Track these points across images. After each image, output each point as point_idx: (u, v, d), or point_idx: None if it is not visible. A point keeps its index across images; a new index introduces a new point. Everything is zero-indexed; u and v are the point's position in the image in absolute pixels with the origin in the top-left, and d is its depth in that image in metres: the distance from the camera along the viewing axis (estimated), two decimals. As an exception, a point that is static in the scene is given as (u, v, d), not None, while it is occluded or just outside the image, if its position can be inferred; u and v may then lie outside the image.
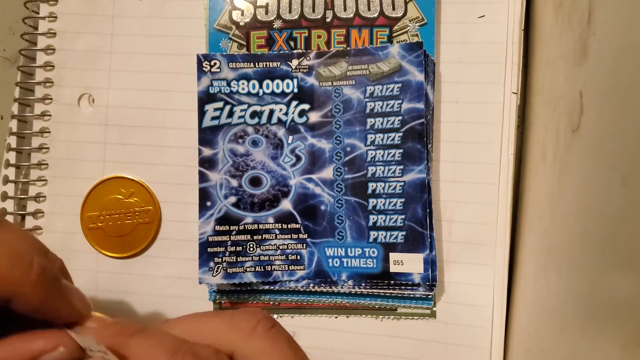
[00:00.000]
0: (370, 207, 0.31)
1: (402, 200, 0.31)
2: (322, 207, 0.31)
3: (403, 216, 0.31)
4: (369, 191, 0.31)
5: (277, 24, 0.32)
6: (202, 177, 0.32)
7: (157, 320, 0.33)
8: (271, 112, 0.32)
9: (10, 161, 0.34)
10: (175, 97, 0.33)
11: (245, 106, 0.32)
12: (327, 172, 0.31)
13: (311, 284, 0.31)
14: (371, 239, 0.31)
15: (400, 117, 0.31)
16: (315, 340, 0.32)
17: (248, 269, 0.31)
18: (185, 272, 0.33)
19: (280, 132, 0.32)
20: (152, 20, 0.33)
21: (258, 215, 0.32)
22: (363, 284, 0.31)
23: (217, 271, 0.31)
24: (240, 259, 0.31)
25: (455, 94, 0.32)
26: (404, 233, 0.31)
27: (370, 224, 0.31)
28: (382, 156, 0.31)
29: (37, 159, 0.34)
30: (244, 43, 0.32)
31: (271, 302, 0.32)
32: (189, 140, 0.32)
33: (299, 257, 0.32)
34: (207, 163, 0.32)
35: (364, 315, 0.32)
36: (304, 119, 0.32)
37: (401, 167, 0.31)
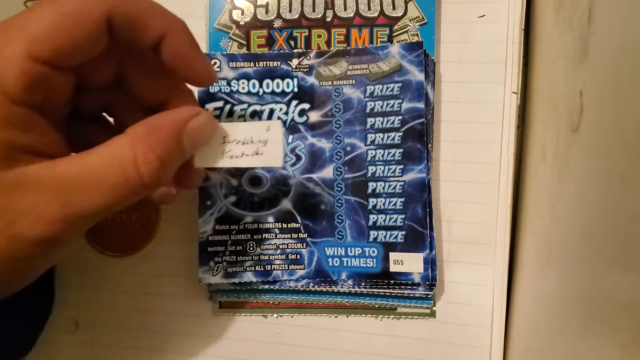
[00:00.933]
0: (370, 207, 0.31)
1: (402, 199, 0.31)
2: (322, 207, 0.31)
3: (403, 216, 0.31)
4: (369, 191, 0.31)
5: (278, 24, 0.32)
6: (202, 177, 0.32)
7: (155, 317, 0.33)
8: (271, 111, 0.32)
9: (11, 160, 0.34)
10: (175, 96, 0.33)
11: (245, 105, 0.32)
12: (327, 172, 0.31)
13: (311, 284, 0.31)
14: (371, 239, 0.31)
15: (400, 117, 0.31)
16: (315, 340, 0.32)
17: (248, 268, 0.31)
18: (185, 272, 0.33)
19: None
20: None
21: (258, 214, 0.32)
22: (363, 284, 0.31)
23: (217, 270, 0.31)
24: (240, 258, 0.31)
25: (456, 93, 0.32)
26: (403, 233, 0.31)
27: (370, 223, 0.31)
28: (382, 156, 0.31)
29: (37, 158, 0.34)
30: (244, 42, 0.32)
31: (271, 302, 0.32)
32: (189, 140, 0.32)
33: (298, 257, 0.32)
34: (207, 162, 0.32)
35: (363, 315, 0.32)
36: (304, 118, 0.32)
37: (401, 166, 0.31)
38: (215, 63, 0.32)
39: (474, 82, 0.32)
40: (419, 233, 0.30)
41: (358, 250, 0.31)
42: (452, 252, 0.32)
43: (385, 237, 0.31)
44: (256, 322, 0.33)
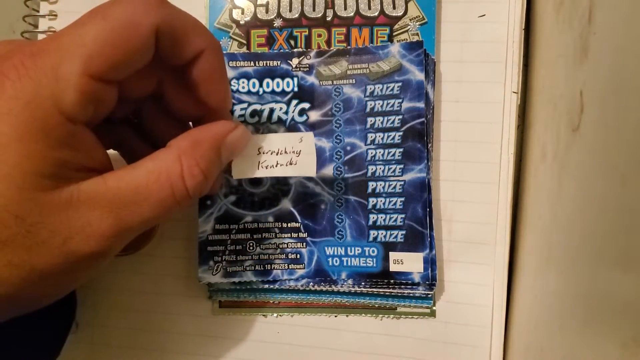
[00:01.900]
0: (370, 206, 0.31)
1: (402, 199, 0.31)
2: (322, 206, 0.31)
3: (403, 215, 0.31)
4: (369, 190, 0.31)
5: (278, 23, 0.32)
6: (202, 176, 0.32)
7: (155, 317, 0.33)
8: (271, 110, 0.32)
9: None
10: (175, 95, 0.33)
11: (245, 105, 0.32)
12: (327, 171, 0.31)
13: (311, 283, 0.31)
14: (371, 238, 0.31)
15: (400, 116, 0.31)
16: (315, 339, 0.32)
17: (248, 268, 0.31)
18: (185, 271, 0.33)
19: (281, 130, 0.32)
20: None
21: (258, 214, 0.32)
22: (363, 283, 0.31)
23: (216, 270, 0.31)
24: (240, 257, 0.31)
25: (456, 93, 0.32)
26: (403, 232, 0.31)
27: (370, 223, 0.31)
28: (382, 155, 0.31)
29: (37, 157, 0.34)
30: (244, 42, 0.32)
31: (271, 301, 0.32)
32: (189, 139, 0.32)
33: (298, 256, 0.32)
34: (207, 162, 0.32)
35: (363, 315, 0.32)
36: (304, 117, 0.32)
37: (401, 166, 0.31)
38: (215, 62, 0.32)
39: (474, 82, 0.32)
40: (419, 233, 0.30)
41: (358, 250, 0.31)
42: (452, 252, 0.32)
43: (385, 236, 0.31)
44: (256, 322, 0.33)
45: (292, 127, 0.32)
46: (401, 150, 0.31)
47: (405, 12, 0.32)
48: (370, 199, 0.31)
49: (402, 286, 0.31)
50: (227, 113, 0.26)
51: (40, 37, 0.34)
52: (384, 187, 0.31)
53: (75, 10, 0.34)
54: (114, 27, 0.20)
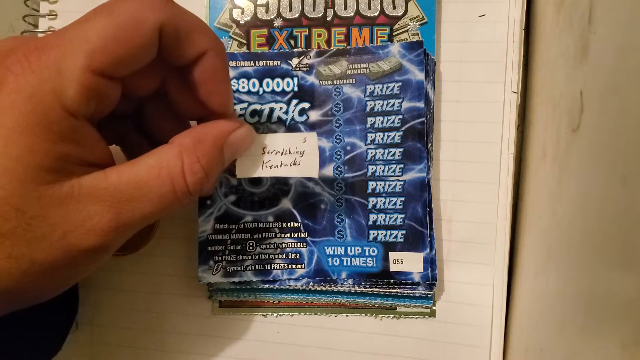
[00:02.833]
0: (370, 206, 0.31)
1: (402, 199, 0.31)
2: (322, 206, 0.31)
3: (403, 215, 0.31)
4: (369, 190, 0.31)
5: (278, 23, 0.32)
6: (202, 176, 0.32)
7: (155, 317, 0.33)
8: (271, 110, 0.32)
9: (10, 159, 0.34)
10: (175, 95, 0.33)
11: (245, 105, 0.32)
12: (327, 171, 0.31)
13: (311, 283, 0.31)
14: (371, 238, 0.31)
15: (400, 116, 0.31)
16: (315, 339, 0.32)
17: (248, 268, 0.31)
18: (185, 271, 0.33)
19: (281, 130, 0.32)
20: (152, 18, 0.33)
21: (258, 213, 0.32)
22: (363, 283, 0.31)
23: (216, 270, 0.31)
24: (239, 257, 0.31)
25: (456, 93, 0.32)
26: (403, 232, 0.31)
27: (370, 222, 0.31)
28: (382, 155, 0.31)
29: (37, 157, 0.34)
30: (244, 41, 0.32)
31: (271, 301, 0.32)
32: (189, 139, 0.32)
33: (298, 256, 0.32)
34: (207, 161, 0.32)
35: (363, 314, 0.32)
36: (304, 117, 0.32)
37: (401, 166, 0.31)
38: (215, 62, 0.32)
39: (474, 82, 0.32)
40: (419, 232, 0.30)
41: (358, 250, 0.31)
42: (452, 252, 0.32)
43: (385, 236, 0.31)
44: (256, 321, 0.33)
45: (292, 127, 0.32)
46: (401, 150, 0.31)
47: (405, 12, 0.32)
48: (370, 199, 0.31)
49: (402, 286, 0.31)
50: (231, 112, 0.26)
51: (41, 37, 0.34)
52: (384, 187, 0.31)
53: (75, 10, 0.34)
54: (118, 23, 0.20)
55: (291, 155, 0.26)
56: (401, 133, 0.31)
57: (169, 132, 0.24)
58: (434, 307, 0.32)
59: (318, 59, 0.32)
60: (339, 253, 0.31)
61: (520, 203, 0.32)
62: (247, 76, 0.32)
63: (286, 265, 0.31)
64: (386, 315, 0.32)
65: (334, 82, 0.31)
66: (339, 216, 0.31)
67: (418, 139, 0.31)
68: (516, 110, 0.31)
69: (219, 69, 0.24)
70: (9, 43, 0.21)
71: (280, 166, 0.26)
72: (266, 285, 0.32)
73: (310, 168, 0.27)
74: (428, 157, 0.31)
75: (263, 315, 0.33)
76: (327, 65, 0.32)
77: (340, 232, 0.31)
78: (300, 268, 0.31)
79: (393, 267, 0.31)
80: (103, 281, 0.33)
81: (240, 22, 0.32)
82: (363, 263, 0.31)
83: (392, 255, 0.31)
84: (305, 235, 0.32)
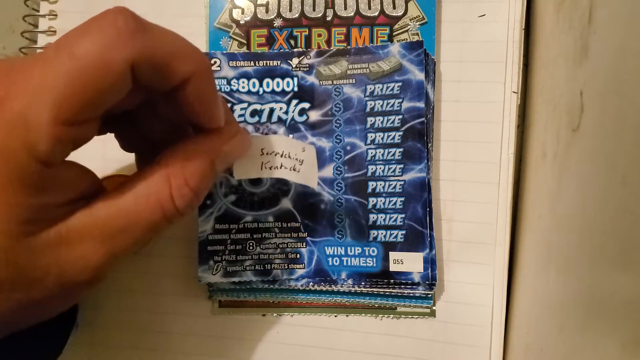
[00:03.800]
0: (370, 206, 0.31)
1: (402, 199, 0.31)
2: (322, 206, 0.31)
3: (403, 215, 0.31)
4: (369, 190, 0.31)
5: (278, 23, 0.32)
6: (202, 176, 0.32)
7: (155, 317, 0.33)
8: (271, 110, 0.32)
9: (10, 159, 0.34)
10: (175, 95, 0.33)
11: (245, 105, 0.32)
12: (327, 171, 0.31)
13: (311, 283, 0.31)
14: (371, 238, 0.31)
15: (400, 116, 0.31)
16: (315, 339, 0.32)
17: (248, 268, 0.31)
18: (185, 271, 0.33)
19: (281, 130, 0.32)
20: (152, 18, 0.33)
21: (258, 213, 0.32)
22: (363, 283, 0.31)
23: (216, 269, 0.31)
24: (240, 257, 0.31)
25: (456, 93, 0.32)
26: (403, 232, 0.31)
27: (370, 222, 0.31)
28: (382, 155, 0.31)
29: (37, 157, 0.34)
30: (244, 41, 0.32)
31: (270, 301, 0.32)
32: (189, 139, 0.32)
33: (298, 256, 0.32)
34: (207, 161, 0.32)
35: (363, 314, 0.32)
36: (304, 117, 0.32)
37: (401, 166, 0.31)
38: (215, 62, 0.32)
39: (474, 82, 0.32)
40: (419, 232, 0.30)
41: (358, 250, 0.31)
42: (452, 252, 0.32)
43: (385, 236, 0.31)
44: (256, 321, 0.33)
45: (292, 127, 0.32)
46: (401, 150, 0.31)
47: (405, 12, 0.32)
48: (370, 199, 0.31)
49: (402, 286, 0.31)
50: (223, 124, 0.25)
51: (40, 36, 0.34)
52: (384, 187, 0.31)
53: (75, 10, 0.34)
54: (82, 67, 0.18)
55: (291, 160, 0.26)
56: (401, 133, 0.31)
57: (164, 132, 0.24)
58: (434, 307, 0.32)
59: (318, 59, 0.32)
60: (339, 253, 0.31)
61: (520, 203, 0.32)
62: (247, 76, 0.32)
63: (286, 265, 0.31)
64: (386, 315, 0.32)
65: (334, 82, 0.31)
66: (339, 216, 0.31)
67: (418, 139, 0.31)
68: (516, 110, 0.31)
69: (206, 92, 0.22)
70: None
71: (280, 168, 0.26)
72: (266, 285, 0.32)
73: (310, 179, 0.27)
74: (428, 157, 0.31)
75: (263, 315, 0.33)
76: (327, 65, 0.32)
77: (340, 232, 0.31)
78: (300, 268, 0.31)
79: (393, 267, 0.31)
80: (104, 282, 0.33)
81: (240, 22, 0.32)
82: (363, 263, 0.31)
83: (392, 255, 0.31)
84: (305, 235, 0.32)
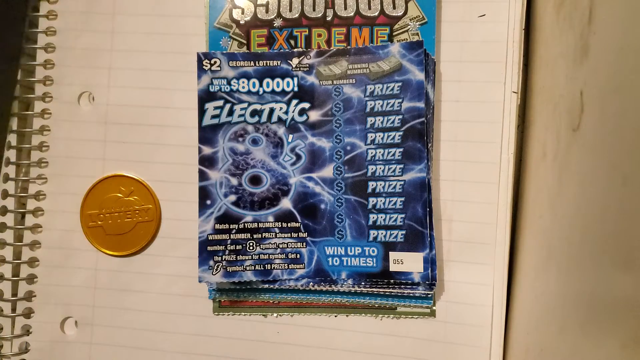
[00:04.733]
0: (370, 206, 0.31)
1: (402, 199, 0.31)
2: (322, 206, 0.31)
3: (403, 215, 0.31)
4: (369, 190, 0.31)
5: (278, 23, 0.32)
6: (202, 176, 0.32)
7: (155, 317, 0.33)
8: (271, 110, 0.32)
9: (11, 159, 0.34)
10: (175, 95, 0.33)
11: (245, 105, 0.32)
12: (327, 171, 0.31)
13: (311, 283, 0.31)
14: (371, 238, 0.31)
15: (400, 116, 0.31)
16: (315, 339, 0.32)
17: (248, 268, 0.31)
18: (185, 271, 0.33)
19: (281, 130, 0.32)
20: (152, 18, 0.33)
21: (258, 213, 0.32)
22: (363, 283, 0.31)
23: (216, 270, 0.31)
24: (240, 257, 0.31)
25: (456, 93, 0.32)
26: (403, 232, 0.31)
27: (370, 222, 0.31)
28: (382, 155, 0.31)
29: (37, 157, 0.34)
30: (244, 41, 0.32)
31: (271, 301, 0.32)
32: (189, 139, 0.32)
33: (298, 256, 0.32)
34: (207, 161, 0.32)
35: (363, 314, 0.32)
36: (304, 117, 0.32)
37: (401, 166, 0.31)
38: (215, 62, 0.32)
39: (474, 82, 0.32)
40: (419, 232, 0.30)
41: (358, 250, 0.31)
42: (452, 252, 0.32)
43: (385, 236, 0.31)
44: (256, 322, 0.33)
45: (292, 127, 0.32)
46: (401, 150, 0.31)
47: (405, 12, 0.32)
48: (370, 199, 0.31)
49: (402, 286, 0.31)
50: None
51: (40, 36, 0.34)
52: (384, 187, 0.31)
53: (76, 10, 0.34)
54: None
55: None
56: (401, 133, 0.31)
57: None
58: (434, 307, 0.32)
59: (318, 59, 0.32)
60: (339, 253, 0.31)
61: (520, 203, 0.32)
62: (247, 76, 0.32)
63: (286, 265, 0.31)
64: (386, 315, 0.32)
65: (334, 82, 0.31)
66: (339, 216, 0.31)
67: (418, 139, 0.31)
68: (516, 110, 0.31)
69: None
70: None
71: None
72: (266, 285, 0.32)
73: None
74: (428, 157, 0.31)
75: (263, 315, 0.33)
76: (327, 65, 0.32)
77: (340, 232, 0.31)
78: (300, 268, 0.31)
79: (393, 267, 0.31)
80: (103, 281, 0.33)
81: (240, 22, 0.32)
82: (363, 263, 0.31)
83: (392, 255, 0.31)
84: (305, 235, 0.32)
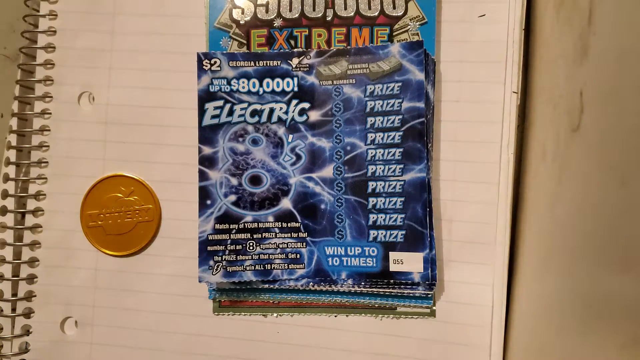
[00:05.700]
0: (370, 206, 0.31)
1: (402, 199, 0.31)
2: (322, 206, 0.31)
3: (403, 215, 0.31)
4: (369, 190, 0.31)
5: (278, 23, 0.32)
6: (202, 176, 0.32)
7: (155, 317, 0.33)
8: (271, 110, 0.32)
9: (11, 159, 0.34)
10: (175, 95, 0.33)
11: (245, 105, 0.32)
12: (327, 171, 0.31)
13: (311, 283, 0.31)
14: (371, 238, 0.31)
15: (400, 116, 0.31)
16: (315, 339, 0.32)
17: (248, 268, 0.31)
18: (185, 271, 0.33)
19: (281, 130, 0.32)
20: (152, 18, 0.33)
21: (258, 214, 0.32)
22: (363, 283, 0.31)
23: (216, 270, 0.31)
24: (240, 257, 0.31)
25: (456, 93, 0.32)
26: (403, 232, 0.31)
27: (370, 222, 0.31)
28: (382, 155, 0.31)
29: (37, 157, 0.34)
30: (244, 41, 0.32)
31: (271, 301, 0.32)
32: (189, 139, 0.32)
33: (298, 256, 0.32)
34: (207, 161, 0.32)
35: (363, 314, 0.32)
36: (304, 117, 0.32)
37: (401, 166, 0.31)
38: (215, 62, 0.32)
39: (474, 82, 0.32)
40: (419, 232, 0.30)
41: (358, 250, 0.31)
42: (452, 252, 0.32)
43: (385, 236, 0.31)
44: (256, 321, 0.33)
45: (292, 127, 0.32)
46: (401, 150, 0.31)
47: (405, 12, 0.32)
48: (370, 199, 0.31)
49: (402, 286, 0.31)
50: None
51: (41, 36, 0.34)
52: (384, 187, 0.31)
53: (76, 10, 0.34)
54: None
55: None
56: (401, 133, 0.31)
57: None
58: (434, 307, 0.32)
59: (318, 59, 0.32)
60: (339, 253, 0.31)
61: (520, 203, 0.32)
62: (247, 76, 0.32)
63: (286, 265, 0.31)
64: (386, 315, 0.32)
65: (334, 82, 0.31)
66: (339, 216, 0.31)
67: (418, 139, 0.31)
68: (516, 110, 0.31)
69: None
70: None
71: None
72: (266, 285, 0.32)
73: None
74: (428, 157, 0.31)
75: (263, 315, 0.33)
76: (327, 65, 0.32)
77: (340, 232, 0.31)
78: (300, 268, 0.31)
79: (393, 267, 0.31)
80: (103, 281, 0.33)
81: (240, 22, 0.32)
82: (363, 263, 0.31)
83: (392, 255, 0.31)
84: (305, 235, 0.32)
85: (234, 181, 0.32)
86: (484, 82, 0.32)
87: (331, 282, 0.31)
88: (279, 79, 0.32)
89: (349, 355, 0.32)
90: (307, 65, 0.32)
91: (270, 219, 0.32)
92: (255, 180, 0.32)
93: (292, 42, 0.32)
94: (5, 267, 0.33)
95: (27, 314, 0.33)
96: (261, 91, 0.32)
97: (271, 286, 0.32)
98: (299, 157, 0.32)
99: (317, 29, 0.32)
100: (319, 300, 0.32)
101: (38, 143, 0.34)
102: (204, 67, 0.32)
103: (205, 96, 0.32)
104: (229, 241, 0.32)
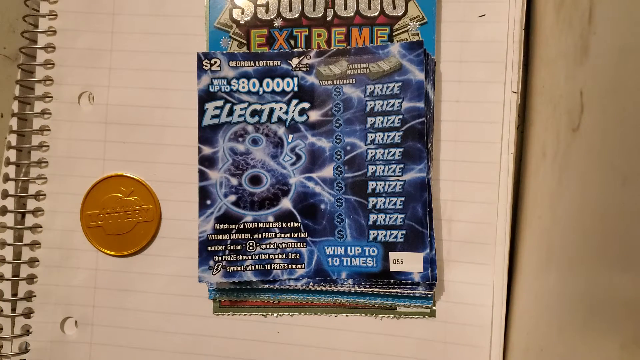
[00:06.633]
0: (370, 206, 0.31)
1: (402, 199, 0.31)
2: (322, 206, 0.31)
3: (403, 215, 0.31)
4: (369, 190, 0.31)
5: (278, 23, 0.32)
6: (202, 176, 0.32)
7: (155, 317, 0.33)
8: (271, 110, 0.32)
9: (11, 159, 0.34)
10: (175, 95, 0.33)
11: (245, 105, 0.32)
12: (327, 171, 0.31)
13: (311, 283, 0.31)
14: (371, 238, 0.31)
15: (400, 116, 0.31)
16: (315, 339, 0.32)
17: (248, 268, 0.31)
18: (185, 271, 0.33)
19: (281, 130, 0.32)
20: (152, 18, 0.33)
21: (258, 214, 0.32)
22: (363, 283, 0.31)
23: (216, 270, 0.31)
24: (240, 257, 0.31)
25: (456, 93, 0.32)
26: (403, 232, 0.31)
27: (370, 222, 0.31)
28: (382, 155, 0.31)
29: (37, 157, 0.34)
30: (244, 41, 0.32)
31: (271, 301, 0.32)
32: (189, 139, 0.32)
33: (298, 256, 0.32)
34: (207, 161, 0.32)
35: (363, 314, 0.32)
36: (304, 117, 0.32)
37: (401, 166, 0.31)
38: (215, 62, 0.32)
39: (474, 82, 0.32)
40: (419, 232, 0.30)
41: (358, 250, 0.31)
42: (452, 252, 0.32)
43: (385, 236, 0.31)
44: (256, 322, 0.33)
45: (292, 127, 0.32)
46: (401, 150, 0.31)
47: (405, 12, 0.32)
48: (370, 199, 0.31)
49: (402, 286, 0.31)
50: None
51: (41, 36, 0.34)
52: (384, 187, 0.31)
53: (76, 10, 0.34)
54: None
55: None
56: (401, 133, 0.31)
57: None
58: (434, 307, 0.32)
59: (318, 59, 0.32)
60: (339, 253, 0.31)
61: (520, 203, 0.32)
62: (247, 76, 0.32)
63: (286, 265, 0.31)
64: (386, 315, 0.32)
65: (334, 82, 0.31)
66: (339, 216, 0.31)
67: (418, 139, 0.31)
68: (516, 110, 0.31)
69: None
70: None
71: None
72: (266, 285, 0.32)
73: None
74: (428, 157, 0.31)
75: (263, 315, 0.33)
76: (327, 65, 0.32)
77: (340, 232, 0.31)
78: (300, 268, 0.31)
79: (393, 267, 0.31)
80: (103, 281, 0.33)
81: (240, 22, 0.32)
82: (363, 263, 0.31)
83: (392, 255, 0.31)
84: (305, 235, 0.32)
85: (234, 181, 0.32)
86: (484, 82, 0.32)
87: (331, 282, 0.31)
88: (279, 79, 0.32)
89: (349, 355, 0.32)
90: (307, 65, 0.32)
91: (270, 219, 0.32)
92: (255, 180, 0.32)
93: (292, 42, 0.32)
94: (5, 267, 0.33)
95: (27, 314, 0.33)
96: (261, 91, 0.32)
97: (271, 286, 0.32)
98: (299, 157, 0.32)
99: (317, 29, 0.32)
100: (319, 300, 0.32)
101: (38, 143, 0.34)
102: (204, 67, 0.32)
103: (205, 96, 0.32)
104: (229, 241, 0.32)
